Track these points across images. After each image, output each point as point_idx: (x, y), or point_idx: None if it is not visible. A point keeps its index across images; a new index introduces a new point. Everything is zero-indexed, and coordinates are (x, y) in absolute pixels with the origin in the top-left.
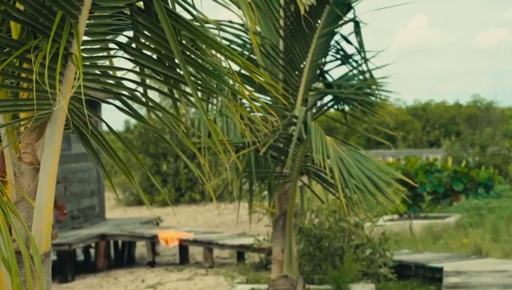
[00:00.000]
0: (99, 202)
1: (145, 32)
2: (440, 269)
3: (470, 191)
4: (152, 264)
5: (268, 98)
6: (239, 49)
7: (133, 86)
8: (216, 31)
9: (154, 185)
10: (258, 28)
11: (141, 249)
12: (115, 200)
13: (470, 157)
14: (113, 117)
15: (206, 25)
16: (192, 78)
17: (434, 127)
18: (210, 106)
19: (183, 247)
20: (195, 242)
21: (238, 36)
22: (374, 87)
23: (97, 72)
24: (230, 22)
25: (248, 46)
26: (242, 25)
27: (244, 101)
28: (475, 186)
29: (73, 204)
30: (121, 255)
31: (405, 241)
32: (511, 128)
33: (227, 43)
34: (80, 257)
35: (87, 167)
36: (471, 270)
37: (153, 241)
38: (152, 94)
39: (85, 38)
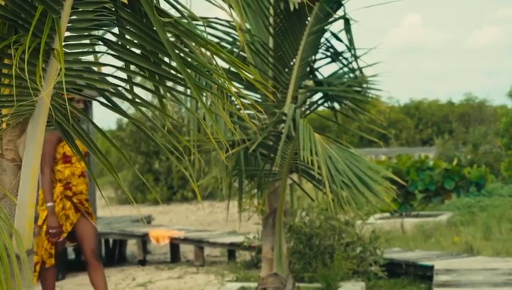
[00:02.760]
0: (91, 200)
1: (130, 28)
2: (431, 267)
3: (461, 190)
4: (143, 262)
5: (258, 96)
6: (229, 46)
7: (118, 82)
8: (206, 29)
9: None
10: (248, 26)
11: (132, 247)
12: (107, 198)
13: (462, 155)
14: (105, 115)
15: (195, 23)
16: (179, 74)
17: (427, 125)
18: (199, 103)
19: (174, 245)
20: (186, 240)
21: (228, 34)
22: (364, 85)
23: (81, 68)
24: (218, 19)
25: (238, 43)
26: (230, 22)
27: (234, 98)
28: (467, 185)
29: None
30: (111, 253)
31: (396, 240)
32: (503, 126)
33: (217, 40)
34: (71, 255)
35: None
36: (461, 268)
37: (144, 239)
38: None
39: (68, 34)
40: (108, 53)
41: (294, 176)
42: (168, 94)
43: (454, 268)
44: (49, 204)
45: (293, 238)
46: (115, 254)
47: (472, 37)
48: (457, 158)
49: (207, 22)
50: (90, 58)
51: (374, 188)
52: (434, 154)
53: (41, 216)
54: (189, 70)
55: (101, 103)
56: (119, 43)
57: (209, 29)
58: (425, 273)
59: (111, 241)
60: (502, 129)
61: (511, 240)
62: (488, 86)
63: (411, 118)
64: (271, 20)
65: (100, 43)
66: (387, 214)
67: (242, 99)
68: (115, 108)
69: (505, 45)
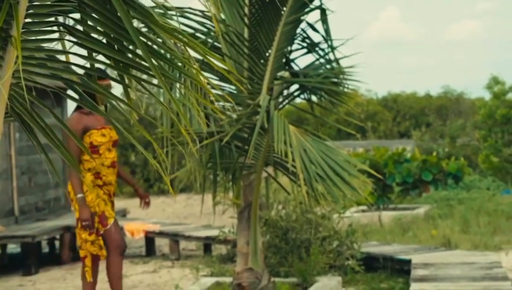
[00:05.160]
0: (65, 194)
1: (93, 14)
2: (408, 261)
3: (439, 182)
4: None
5: (233, 87)
6: (203, 37)
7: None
8: (180, 19)
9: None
10: (223, 16)
11: None
12: None
13: (440, 148)
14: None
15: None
16: (146, 64)
17: (404, 118)
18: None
19: (150, 239)
20: (161, 234)
21: (202, 24)
22: (341, 76)
23: (43, 56)
24: (192, 9)
25: (213, 34)
26: (205, 12)
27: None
28: (444, 177)
29: (38, 195)
30: None
31: (374, 233)
32: (481, 119)
33: (191, 31)
34: (46, 249)
35: (53, 158)
36: (439, 262)
37: None
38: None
39: (29, 20)
40: (70, 40)
41: (270, 169)
42: (139, 86)
43: (432, 262)
44: (79, 195)
45: (268, 232)
46: None
47: (450, 31)
48: (435, 151)
49: (181, 11)
50: (59, 46)
51: (350, 181)
52: (412, 147)
53: (76, 208)
54: (161, 62)
55: (64, 94)
56: (82, 30)
57: (183, 20)
58: (402, 268)
59: None
60: (480, 122)
61: (489, 233)
62: (466, 79)
63: (389, 110)
64: (246, 10)
65: (63, 30)
66: (364, 207)
67: (215, 91)
68: (77, 99)
69: (483, 38)
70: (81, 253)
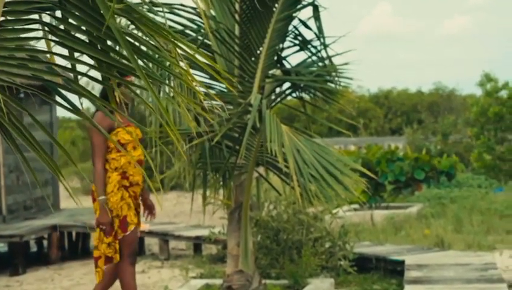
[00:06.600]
0: (53, 192)
1: (74, 11)
2: (401, 262)
3: (431, 180)
4: None
5: (224, 86)
6: (193, 34)
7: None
8: (169, 16)
9: None
10: (213, 13)
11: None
12: (73, 189)
13: (432, 145)
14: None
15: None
16: (131, 64)
17: (396, 114)
18: (160, 94)
19: (139, 238)
20: (150, 233)
21: (192, 21)
22: (334, 74)
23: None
24: (182, 5)
25: (203, 31)
26: (195, 9)
27: (199, 88)
28: (437, 175)
29: (26, 194)
30: (74, 246)
31: (366, 232)
32: (473, 116)
33: (181, 28)
34: (34, 248)
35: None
36: (433, 264)
37: None
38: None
39: (7, 18)
40: (50, 39)
41: (261, 169)
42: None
43: (425, 263)
44: (101, 198)
45: (259, 232)
46: (78, 248)
47: (442, 26)
48: (426, 148)
49: (170, 8)
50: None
51: (342, 181)
52: (403, 144)
53: (97, 209)
54: (147, 62)
55: (46, 96)
56: (63, 28)
57: (172, 16)
58: (395, 268)
59: (74, 234)
60: (473, 119)
61: (482, 232)
62: (457, 75)
63: (380, 107)
64: (237, 6)
65: (44, 28)
66: (356, 206)
67: (205, 90)
68: (57, 101)
69: (475, 34)
70: (95, 253)
